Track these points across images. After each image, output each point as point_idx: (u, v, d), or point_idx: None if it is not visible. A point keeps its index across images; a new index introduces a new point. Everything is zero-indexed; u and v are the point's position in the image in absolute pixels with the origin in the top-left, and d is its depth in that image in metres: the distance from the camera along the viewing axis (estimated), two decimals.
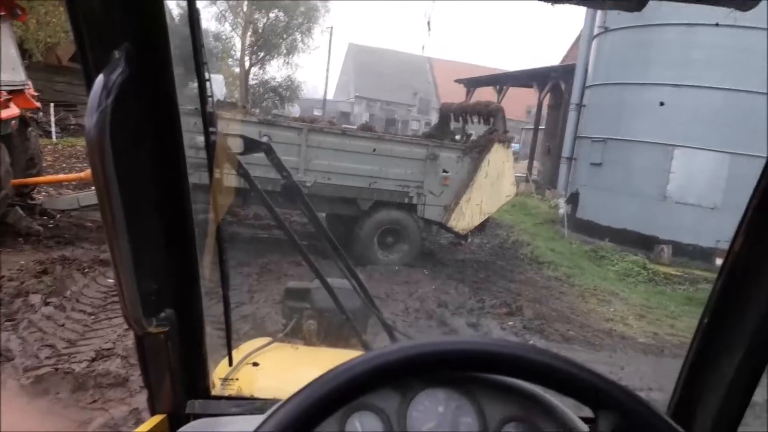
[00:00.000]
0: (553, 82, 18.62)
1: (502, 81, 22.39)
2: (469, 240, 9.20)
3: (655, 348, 6.70)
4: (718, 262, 10.73)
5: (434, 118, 47.09)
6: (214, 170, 1.09)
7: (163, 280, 0.94)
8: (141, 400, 3.86)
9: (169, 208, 0.92)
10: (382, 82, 45.68)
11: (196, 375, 1.14)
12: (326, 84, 49.80)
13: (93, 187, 7.74)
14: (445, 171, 8.42)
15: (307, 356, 1.85)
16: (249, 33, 33.92)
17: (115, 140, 0.68)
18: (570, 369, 0.71)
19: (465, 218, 8.56)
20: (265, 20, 33.90)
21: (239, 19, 33.88)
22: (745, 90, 10.41)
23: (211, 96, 1.04)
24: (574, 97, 14.21)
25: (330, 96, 48.58)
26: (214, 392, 1.23)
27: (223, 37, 34.30)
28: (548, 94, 19.64)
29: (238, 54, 34.42)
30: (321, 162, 8.01)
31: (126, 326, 5.00)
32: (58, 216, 8.20)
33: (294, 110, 36.56)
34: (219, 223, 1.12)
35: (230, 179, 1.32)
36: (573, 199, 13.39)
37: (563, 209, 14.07)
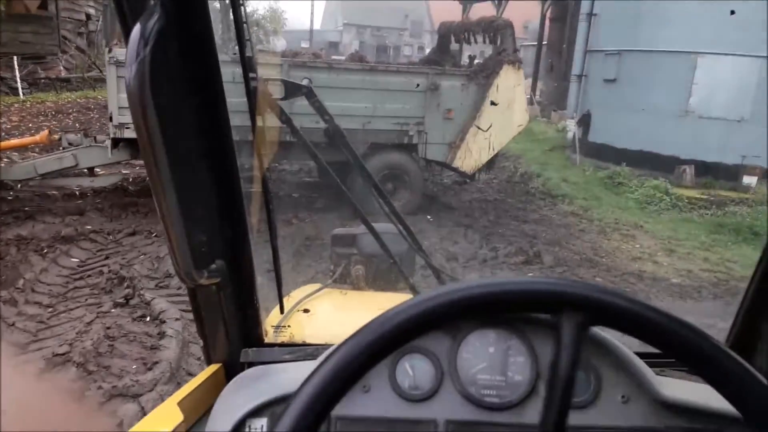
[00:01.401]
0: None
1: None
2: (476, 177, 8.32)
3: (692, 289, 5.99)
4: (746, 180, 9.89)
5: (428, 41, 45.57)
6: (257, 117, 1.05)
7: (212, 232, 0.92)
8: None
9: (213, 158, 0.90)
10: (370, 7, 43.62)
11: (249, 324, 1.14)
12: (312, 13, 47.54)
13: (53, 152, 6.91)
14: (448, 109, 7.46)
15: (356, 301, 1.86)
16: None
17: (155, 91, 0.67)
18: (625, 305, 0.63)
19: (472, 155, 7.67)
20: None
21: None
22: None
23: (249, 39, 0.99)
24: (584, 6, 12.90)
25: (317, 26, 46.64)
26: (267, 340, 1.22)
27: None
28: (551, 6, 18.18)
29: None
30: (305, 102, 7.01)
31: (88, 321, 4.57)
32: (19, 186, 7.33)
33: (279, 44, 34.91)
34: (264, 172, 1.09)
35: (273, 125, 1.27)
36: (584, 121, 12.40)
37: (572, 132, 13.10)
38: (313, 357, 1.10)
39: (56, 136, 7.16)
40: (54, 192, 7.32)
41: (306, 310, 1.58)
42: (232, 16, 0.98)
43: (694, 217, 8.61)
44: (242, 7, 0.96)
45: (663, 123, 10.73)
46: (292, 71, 6.94)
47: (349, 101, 7.13)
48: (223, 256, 0.97)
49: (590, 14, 12.91)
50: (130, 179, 8.73)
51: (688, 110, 10.60)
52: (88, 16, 20.33)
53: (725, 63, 10.15)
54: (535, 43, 21.16)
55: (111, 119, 6.46)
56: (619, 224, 8.06)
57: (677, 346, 0.63)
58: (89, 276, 5.60)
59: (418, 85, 7.32)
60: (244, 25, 0.97)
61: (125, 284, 5.37)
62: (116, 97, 6.36)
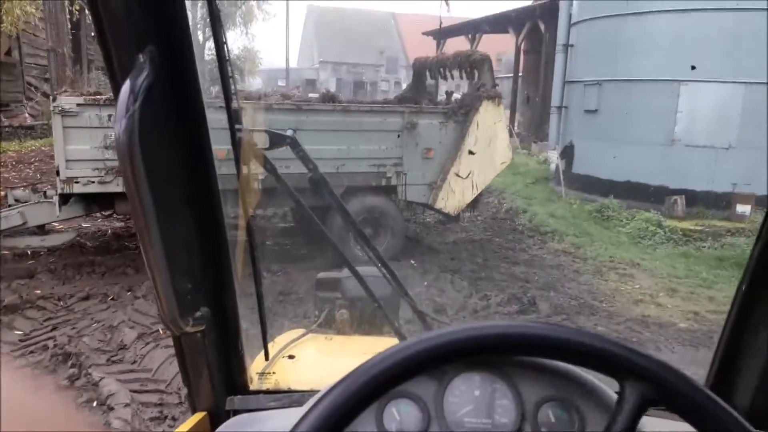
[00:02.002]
0: (531, 24, 17.06)
1: (473, 28, 20.73)
2: (461, 217, 7.82)
3: (703, 335, 5.48)
4: (740, 209, 9.52)
5: (404, 76, 45.80)
6: (242, 167, 1.08)
7: (197, 280, 0.94)
8: None
9: (199, 208, 0.93)
10: (346, 44, 43.91)
11: (234, 371, 1.14)
12: (287, 51, 47.63)
13: None
14: (427, 149, 7.00)
15: (341, 346, 1.85)
16: (200, 5, 31.71)
17: (143, 144, 0.69)
18: (595, 343, 0.67)
19: (455, 195, 7.18)
20: None
21: None
22: (760, 8, 9.01)
23: (235, 93, 1.03)
24: (560, 37, 12.70)
25: (294, 64, 46.69)
26: (252, 387, 1.22)
27: None
28: (525, 39, 18.09)
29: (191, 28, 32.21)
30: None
31: None
32: None
33: (255, 82, 34.75)
34: (249, 219, 1.12)
35: (257, 174, 1.30)
36: (567, 153, 12.05)
37: (555, 164, 12.76)
38: (299, 404, 1.11)
39: (1, 193, 6.54)
40: (5, 252, 6.67)
41: (291, 356, 1.56)
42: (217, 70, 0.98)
43: (691, 251, 8.17)
44: (227, 62, 0.98)
45: (649, 153, 10.40)
46: (257, 115, 6.44)
47: (322, 143, 6.63)
48: (209, 303, 0.98)
49: (566, 45, 12.73)
50: (89, 233, 8.12)
51: (674, 139, 10.28)
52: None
53: (708, 90, 9.89)
54: (510, 74, 21.08)
55: (58, 173, 5.88)
56: (614, 262, 7.59)
57: (655, 386, 0.64)
58: (31, 353, 4.95)
59: (398, 135, 6.88)
60: (230, 79, 1.00)
61: (71, 361, 4.74)
62: (63, 149, 5.80)
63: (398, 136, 6.95)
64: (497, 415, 0.91)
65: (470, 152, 7.09)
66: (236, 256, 1.09)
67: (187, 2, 0.78)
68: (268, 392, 1.23)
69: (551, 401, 0.88)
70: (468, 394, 0.90)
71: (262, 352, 1.38)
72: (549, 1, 15.28)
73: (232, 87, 1.02)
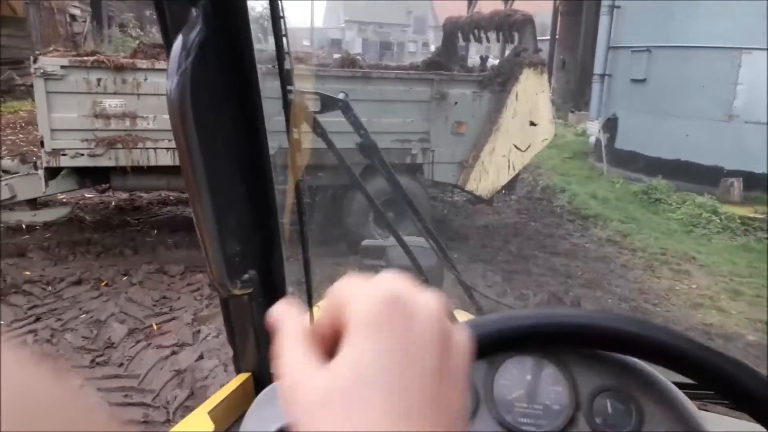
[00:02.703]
0: None
1: None
2: (494, 201, 7.01)
3: None
4: None
5: (432, 37, 44.36)
6: (292, 129, 1.05)
7: (245, 242, 0.93)
8: None
9: (249, 170, 0.91)
10: (372, 3, 42.53)
11: None
12: (312, 11, 46.54)
13: None
14: (458, 123, 6.17)
15: None
16: None
17: (195, 102, 0.68)
18: (672, 341, 0.65)
19: (489, 176, 6.37)
20: None
21: None
22: None
23: (288, 52, 0.99)
24: None
25: (319, 24, 45.57)
26: None
27: None
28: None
29: None
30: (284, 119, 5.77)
31: None
32: None
33: None
34: (297, 182, 1.08)
35: (308, 137, 1.25)
36: (610, 126, 11.06)
37: (595, 137, 11.78)
38: None
39: None
40: None
41: None
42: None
43: (752, 243, 7.27)
44: (282, 20, 0.95)
45: (703, 129, 9.39)
46: (264, 83, 5.68)
47: (333, 116, 5.87)
48: (256, 267, 0.97)
49: (612, 6, 11.58)
50: (91, 206, 7.53)
51: (732, 114, 9.25)
52: (73, 17, 19.15)
53: None
54: (546, 38, 19.78)
55: (42, 144, 5.22)
56: (666, 255, 6.74)
57: (718, 379, 0.62)
58: None
59: (426, 106, 6.06)
60: (284, 38, 0.97)
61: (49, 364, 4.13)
62: (47, 117, 5.13)
63: (426, 107, 6.14)
64: (549, 402, 0.86)
65: (506, 128, 6.26)
66: (284, 220, 1.06)
67: None
68: None
69: (608, 391, 0.83)
70: (519, 378, 0.87)
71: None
72: None
73: (285, 46, 0.97)
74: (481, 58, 7.28)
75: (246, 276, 0.94)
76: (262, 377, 1.12)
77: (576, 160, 11.56)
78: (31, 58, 5.01)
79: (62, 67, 5.06)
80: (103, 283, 5.44)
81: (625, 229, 7.52)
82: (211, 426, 0.96)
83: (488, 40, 7.31)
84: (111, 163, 5.39)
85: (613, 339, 0.66)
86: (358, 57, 6.78)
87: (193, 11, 0.71)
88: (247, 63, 0.82)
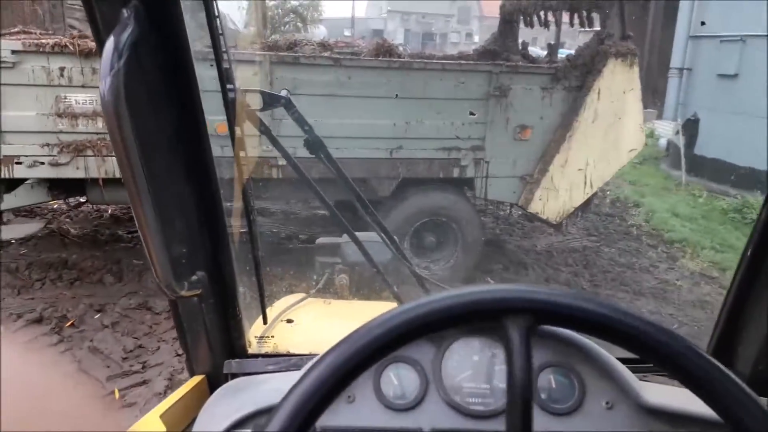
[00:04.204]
0: None
1: None
2: (564, 226, 5.61)
3: None
4: None
5: (476, 27, 42.72)
6: (235, 128, 1.05)
7: (192, 244, 0.93)
8: None
9: (192, 170, 0.90)
10: None
11: (232, 335, 1.14)
12: (353, 0, 45.55)
13: None
14: (521, 127, 4.83)
15: (340, 310, 1.85)
16: None
17: (130, 103, 0.67)
18: (605, 312, 0.66)
19: (559, 195, 5.02)
20: None
21: None
22: None
23: (226, 51, 0.96)
24: None
25: (362, 13, 44.54)
26: (250, 351, 1.21)
27: None
28: None
29: None
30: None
31: None
32: None
33: (318, 32, 32.80)
34: (244, 182, 1.09)
35: (252, 136, 1.26)
36: (689, 128, 9.47)
37: (666, 139, 10.21)
38: (297, 367, 1.11)
39: None
40: None
41: (290, 321, 1.56)
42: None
43: None
44: (217, 19, 0.92)
45: None
46: (277, 71, 4.44)
47: (369, 116, 4.60)
48: (205, 268, 0.96)
49: None
50: (82, 215, 6.47)
51: None
52: None
53: None
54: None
55: None
56: None
57: (652, 350, 0.64)
58: None
59: (481, 104, 4.76)
60: (220, 36, 0.94)
61: None
62: None
63: (480, 106, 4.81)
64: (496, 380, 0.90)
65: (583, 133, 4.89)
66: (232, 220, 1.04)
67: None
68: (266, 356, 1.19)
69: (551, 366, 0.86)
70: (466, 360, 0.89)
71: (261, 317, 1.33)
72: None
73: (222, 43, 0.93)
74: (549, 45, 5.90)
75: (194, 277, 0.93)
76: (216, 379, 1.10)
77: (647, 165, 10.01)
78: None
79: (14, 52, 3.93)
80: (69, 323, 4.34)
81: (721, 260, 6.04)
82: (163, 429, 0.94)
83: (558, 25, 5.91)
84: (79, 174, 4.25)
85: (557, 314, 0.66)
86: (398, 46, 5.48)
87: (124, 12, 0.70)
88: (184, 61, 0.80)
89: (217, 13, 0.92)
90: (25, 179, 4.42)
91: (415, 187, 4.95)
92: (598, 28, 5.06)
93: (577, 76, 4.87)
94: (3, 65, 3.91)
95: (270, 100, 1.40)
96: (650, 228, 7.06)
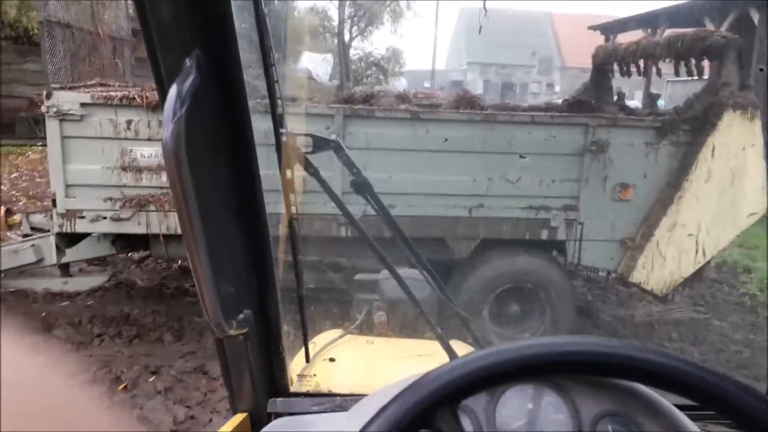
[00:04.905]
0: (739, 13, 13.17)
1: (653, 21, 16.96)
2: (671, 298, 4.89)
3: None
4: None
5: (557, 77, 42.09)
6: (285, 170, 1.10)
7: (240, 283, 0.95)
8: None
9: (243, 211, 0.93)
10: (496, 44, 41.24)
11: (275, 373, 1.15)
12: (434, 51, 46.37)
13: (9, 240, 4.52)
14: (622, 185, 4.29)
15: (381, 348, 1.82)
16: (347, 2, 30.70)
17: (190, 149, 0.70)
18: (671, 364, 0.68)
19: (666, 264, 4.36)
20: None
21: None
22: None
23: (280, 97, 1.03)
24: None
25: (442, 66, 45.08)
26: (292, 389, 1.22)
27: (319, 9, 31.34)
28: (729, 32, 14.16)
29: (337, 27, 31.29)
30: (375, 176, 4.19)
31: None
32: None
33: (399, 84, 33.30)
34: (291, 221, 1.13)
35: (300, 177, 1.28)
36: None
37: None
38: (342, 408, 1.10)
39: (16, 218, 4.83)
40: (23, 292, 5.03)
41: (332, 359, 1.55)
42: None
43: None
44: (273, 68, 0.98)
45: None
46: (350, 125, 4.13)
47: (446, 172, 4.19)
48: (251, 306, 0.98)
49: None
50: (150, 266, 6.37)
51: None
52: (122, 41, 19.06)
53: None
54: (696, 77, 16.92)
55: (54, 204, 4.00)
56: None
57: (718, 400, 0.64)
58: None
59: (576, 160, 4.27)
60: (276, 84, 1.00)
61: None
62: (62, 169, 3.91)
63: (575, 162, 4.30)
64: (551, 430, 0.87)
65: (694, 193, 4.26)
66: (278, 258, 1.07)
67: (233, 6, 0.76)
68: (308, 395, 1.21)
69: (609, 416, 0.83)
70: (521, 408, 0.87)
71: (303, 354, 1.35)
72: None
73: (277, 91, 1.01)
74: (649, 95, 5.33)
75: (241, 316, 0.94)
76: (258, 418, 1.11)
77: (757, 225, 8.97)
78: (44, 93, 3.81)
79: (82, 104, 3.84)
80: (122, 386, 4.08)
81: None
82: None
83: (659, 74, 5.35)
84: (140, 230, 4.07)
85: (612, 365, 0.67)
86: (478, 96, 5.09)
87: (187, 61, 0.73)
88: (241, 109, 0.84)
89: (273, 62, 0.96)
90: (88, 234, 4.29)
91: (498, 249, 4.45)
92: (707, 78, 4.47)
93: (688, 131, 4.28)
94: (71, 118, 3.82)
95: (320, 144, 1.41)
96: (766, 298, 6.14)
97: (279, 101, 1.02)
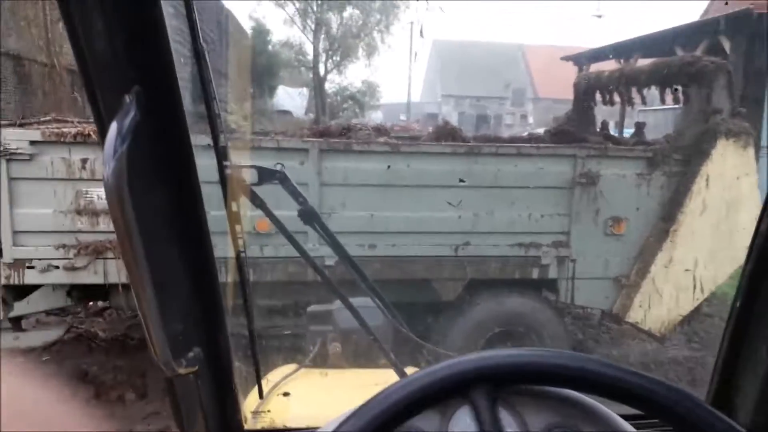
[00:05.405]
0: (709, 42, 13.35)
1: (626, 51, 17.19)
2: (667, 339, 4.64)
3: None
4: None
5: (530, 109, 42.69)
6: (230, 203, 1.10)
7: (188, 320, 0.94)
8: None
9: (190, 247, 0.92)
10: (470, 77, 41.93)
11: (228, 411, 1.13)
12: (409, 85, 46.96)
13: None
14: (614, 219, 4.08)
15: (336, 380, 1.83)
16: (322, 36, 30.84)
17: (132, 186, 0.69)
18: (611, 373, 0.70)
19: (662, 302, 4.13)
20: (338, 20, 30.79)
21: (309, 22, 30.70)
22: None
23: (223, 131, 1.03)
24: None
25: (417, 98, 45.47)
26: (246, 426, 1.21)
27: (294, 43, 31.44)
28: None
29: (312, 61, 31.34)
30: (354, 214, 3.90)
31: None
32: None
33: (375, 116, 33.40)
34: (239, 256, 1.12)
35: (247, 211, 1.32)
36: None
37: None
38: None
39: None
40: None
41: (285, 393, 1.54)
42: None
43: None
44: (215, 101, 0.98)
45: None
46: (326, 159, 3.86)
47: (429, 208, 3.93)
48: (201, 344, 0.96)
49: None
50: (114, 315, 5.95)
51: None
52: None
53: None
54: (666, 106, 17.07)
55: (0, 254, 3.62)
56: None
57: (661, 409, 0.67)
58: None
59: (565, 193, 4.06)
60: (217, 117, 1.00)
61: None
62: (9, 214, 3.55)
63: (564, 196, 4.08)
64: None
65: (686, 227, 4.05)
66: (227, 294, 1.06)
67: (172, 44, 0.76)
68: (263, 431, 1.23)
69: (557, 428, 0.84)
70: (472, 426, 0.84)
71: (256, 390, 1.33)
72: (744, 10, 11.59)
73: (220, 124, 1.01)
74: (637, 125, 5.17)
75: (191, 354, 0.92)
76: None
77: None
78: None
79: (32, 142, 3.50)
80: None
81: None
82: None
83: (644, 101, 5.21)
84: (97, 280, 3.70)
85: (559, 375, 0.69)
86: (458, 128, 4.87)
87: (127, 98, 0.72)
88: (183, 144, 0.83)
89: (214, 96, 0.96)
90: (38, 285, 3.91)
91: (487, 290, 4.17)
92: (700, 104, 4.31)
93: (680, 160, 4.10)
94: (19, 157, 3.48)
95: (265, 175, 1.41)
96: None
97: (222, 135, 1.01)
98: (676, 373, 4.97)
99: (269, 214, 1.38)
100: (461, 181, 3.95)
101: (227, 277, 1.13)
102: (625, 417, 0.86)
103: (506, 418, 0.84)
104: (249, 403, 1.35)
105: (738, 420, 0.99)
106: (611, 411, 0.86)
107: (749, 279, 0.98)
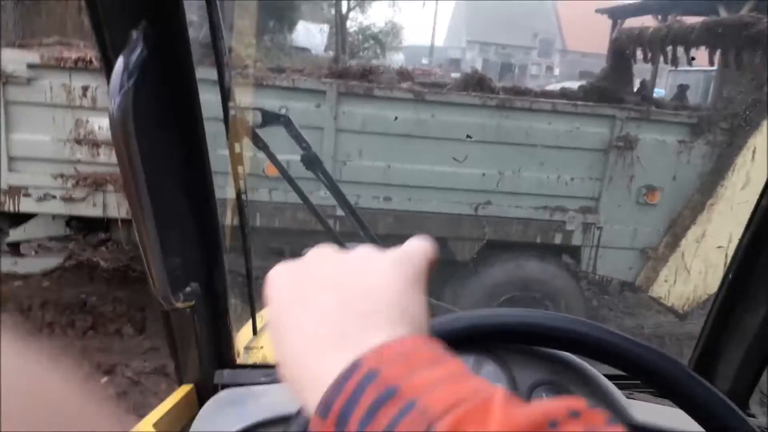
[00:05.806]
0: (756, 2, 12.63)
1: (666, 7, 16.37)
2: (689, 315, 4.44)
3: None
4: None
5: (557, 60, 41.47)
6: (233, 144, 1.07)
7: (187, 255, 0.95)
8: None
9: (191, 184, 0.93)
10: (497, 24, 40.56)
11: (222, 345, 1.15)
12: (434, 28, 45.51)
13: None
14: (648, 187, 3.80)
15: None
16: None
17: (138, 122, 0.70)
18: (600, 335, 0.72)
19: (690, 278, 3.90)
20: None
21: None
22: None
23: (228, 70, 0.99)
24: None
25: (441, 43, 44.29)
26: (239, 361, 1.23)
27: None
28: None
29: None
30: (371, 164, 3.66)
31: None
32: None
33: (397, 58, 32.55)
34: (239, 195, 1.11)
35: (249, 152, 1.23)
36: None
37: None
38: None
39: None
40: None
41: None
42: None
43: None
44: (222, 40, 0.94)
45: None
46: (344, 104, 3.58)
47: (448, 163, 3.67)
48: (198, 279, 0.97)
49: None
50: (117, 243, 5.83)
51: None
52: None
53: None
54: (707, 68, 16.35)
55: None
56: None
57: (644, 370, 0.69)
58: None
59: (600, 156, 3.78)
60: (223, 56, 0.97)
61: None
62: (5, 139, 3.34)
63: (597, 159, 3.80)
64: None
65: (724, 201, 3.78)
66: (226, 233, 1.09)
67: None
68: (255, 366, 1.23)
69: (544, 384, 0.89)
70: None
71: (250, 326, 1.35)
72: None
73: (225, 63, 0.97)
74: (680, 87, 4.81)
75: (188, 289, 0.94)
76: (205, 388, 1.13)
77: None
78: None
79: (30, 66, 3.25)
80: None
81: None
82: None
83: (690, 62, 4.83)
84: (95, 213, 3.53)
85: (549, 336, 0.72)
86: (489, 78, 4.51)
87: (134, 33, 0.71)
88: (189, 82, 0.83)
89: (221, 34, 0.93)
90: (35, 214, 3.74)
91: (504, 253, 3.96)
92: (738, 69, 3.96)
93: (726, 130, 3.77)
94: (16, 81, 3.24)
95: (269, 118, 1.34)
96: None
97: (227, 73, 0.98)
98: (689, 348, 4.81)
99: (272, 157, 1.35)
100: (468, 137, 3.68)
101: (228, 217, 1.15)
102: (609, 377, 0.90)
103: (495, 372, 0.88)
104: (242, 338, 1.36)
105: (717, 386, 0.99)
106: (597, 371, 0.89)
107: (745, 249, 1.03)
